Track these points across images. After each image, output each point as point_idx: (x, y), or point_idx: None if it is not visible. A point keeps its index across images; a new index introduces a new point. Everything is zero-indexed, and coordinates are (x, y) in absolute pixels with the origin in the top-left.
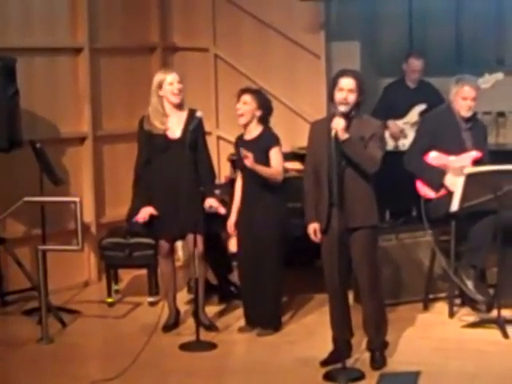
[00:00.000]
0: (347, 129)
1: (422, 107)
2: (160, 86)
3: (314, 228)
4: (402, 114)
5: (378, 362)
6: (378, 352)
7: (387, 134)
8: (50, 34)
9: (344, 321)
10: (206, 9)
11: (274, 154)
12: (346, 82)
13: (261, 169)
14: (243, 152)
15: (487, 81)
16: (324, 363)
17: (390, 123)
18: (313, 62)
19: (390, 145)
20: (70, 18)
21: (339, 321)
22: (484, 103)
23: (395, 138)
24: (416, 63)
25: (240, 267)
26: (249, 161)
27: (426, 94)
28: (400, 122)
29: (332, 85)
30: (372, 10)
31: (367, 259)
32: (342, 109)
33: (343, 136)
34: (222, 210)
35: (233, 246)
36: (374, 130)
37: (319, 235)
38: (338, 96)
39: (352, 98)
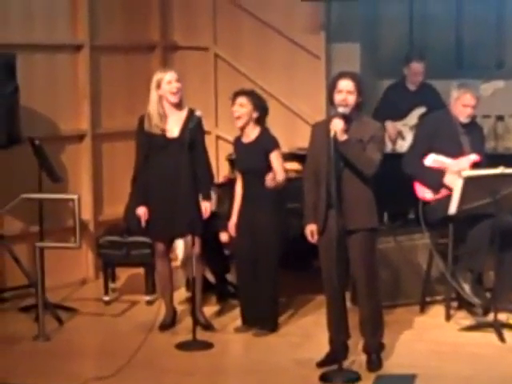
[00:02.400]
0: (347, 131)
1: (421, 110)
2: (158, 84)
3: (311, 229)
4: (401, 115)
5: (375, 364)
6: (375, 354)
7: (385, 136)
8: (51, 31)
9: (341, 322)
10: (206, 8)
11: (275, 158)
12: (345, 84)
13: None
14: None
15: (487, 88)
16: (320, 364)
17: (388, 124)
18: (313, 63)
19: (388, 147)
20: (71, 15)
21: (336, 322)
22: (484, 107)
23: (392, 139)
24: (417, 67)
25: (237, 267)
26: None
27: (426, 96)
28: (399, 124)
29: (331, 87)
30: (373, 11)
31: (365, 262)
32: (342, 110)
33: (342, 137)
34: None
35: (224, 237)
36: (373, 132)
37: (316, 237)
38: (338, 98)
39: (351, 99)
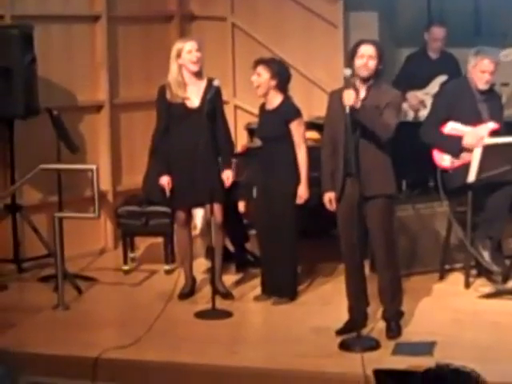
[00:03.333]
0: (365, 98)
1: (443, 78)
2: (179, 54)
3: (329, 197)
4: (423, 84)
5: (394, 331)
6: (394, 322)
7: (406, 105)
8: (68, 2)
9: (360, 290)
10: None
11: (295, 127)
12: (366, 49)
13: (304, 176)
14: None
15: (508, 54)
16: (340, 332)
17: (410, 94)
18: (330, 32)
19: (410, 116)
20: None
21: (355, 290)
22: (502, 75)
23: (414, 109)
24: (438, 32)
25: (257, 236)
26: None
27: (447, 64)
28: (420, 93)
29: (351, 55)
30: None
31: (383, 229)
32: (364, 74)
33: (356, 105)
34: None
35: (242, 206)
36: (390, 99)
37: (334, 204)
38: (359, 62)
39: (372, 64)
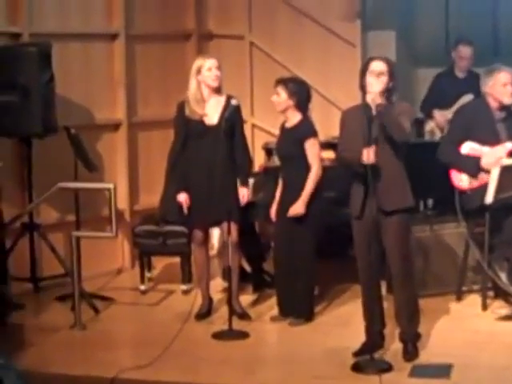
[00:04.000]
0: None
1: (469, 97)
2: (199, 71)
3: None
4: (450, 103)
5: (411, 353)
6: (411, 343)
7: (433, 124)
8: (86, 20)
9: (376, 311)
10: None
11: (309, 146)
12: (377, 65)
13: (306, 194)
14: None
15: None
16: (357, 354)
17: (436, 113)
18: (348, 51)
19: (437, 135)
20: (106, 4)
21: (371, 311)
22: None
23: (441, 127)
24: (465, 50)
25: (274, 255)
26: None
27: (474, 84)
28: (447, 112)
29: (362, 72)
30: None
31: (400, 245)
32: (375, 88)
33: (377, 100)
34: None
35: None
36: (401, 109)
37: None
38: (370, 81)
39: (383, 80)
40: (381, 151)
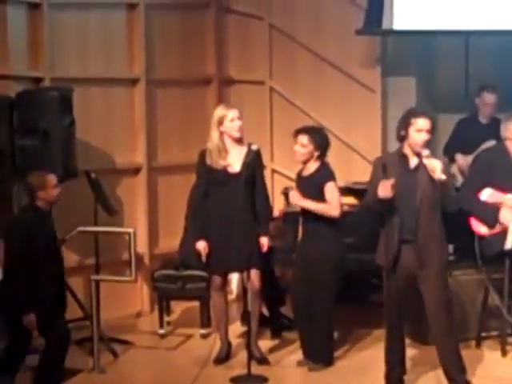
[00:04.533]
0: (418, 167)
1: (492, 143)
2: (221, 121)
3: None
4: (473, 149)
5: None
6: None
7: (455, 168)
8: (107, 65)
9: (398, 357)
10: (262, 42)
11: (329, 189)
12: (426, 123)
13: (309, 204)
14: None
15: None
16: None
17: (459, 157)
18: (368, 97)
19: (459, 180)
20: (127, 49)
21: (393, 358)
22: None
23: (463, 172)
24: (489, 97)
25: (293, 301)
26: (293, 196)
27: (497, 130)
28: (470, 157)
29: (405, 123)
30: (428, 45)
31: (442, 297)
32: (426, 152)
33: (442, 177)
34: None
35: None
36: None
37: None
38: (419, 137)
39: (429, 138)
40: (424, 208)
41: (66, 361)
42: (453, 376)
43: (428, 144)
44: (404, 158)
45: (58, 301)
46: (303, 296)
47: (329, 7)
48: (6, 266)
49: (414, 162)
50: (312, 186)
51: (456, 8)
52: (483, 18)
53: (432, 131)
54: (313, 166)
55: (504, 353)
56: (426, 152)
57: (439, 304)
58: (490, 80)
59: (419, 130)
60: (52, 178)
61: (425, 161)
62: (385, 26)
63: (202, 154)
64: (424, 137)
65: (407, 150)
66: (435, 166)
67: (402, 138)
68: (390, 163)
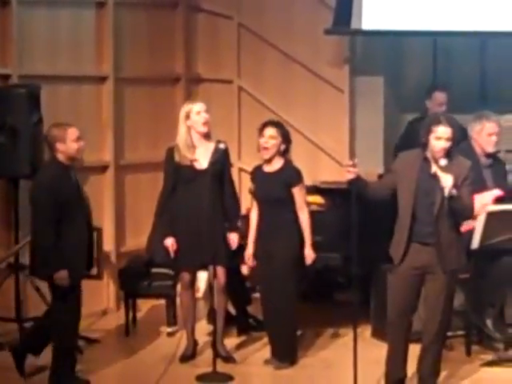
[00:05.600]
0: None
1: None
2: (187, 115)
3: None
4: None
5: None
6: None
7: None
8: (75, 63)
9: (402, 359)
10: (231, 41)
11: (299, 192)
12: (446, 131)
13: (310, 236)
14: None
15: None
16: None
17: None
18: (336, 97)
19: None
20: (96, 47)
21: (397, 358)
22: (507, 142)
23: None
24: (441, 96)
25: (261, 298)
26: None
27: None
28: None
29: (427, 130)
30: (396, 45)
31: (445, 303)
32: (443, 163)
33: (453, 191)
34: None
35: (245, 269)
36: (465, 174)
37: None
38: (438, 145)
39: (449, 145)
40: (443, 214)
41: (31, 357)
42: (424, 377)
43: (448, 151)
44: (426, 162)
45: (86, 260)
46: (268, 294)
47: (298, 7)
48: (33, 227)
49: (434, 167)
50: (278, 183)
51: (424, 9)
52: (451, 18)
53: (452, 139)
54: (277, 163)
55: (469, 352)
56: (443, 162)
57: (441, 310)
58: (458, 79)
59: (439, 137)
60: (73, 131)
61: (439, 173)
62: (353, 25)
63: (170, 151)
64: (443, 145)
65: (429, 155)
66: (446, 181)
67: (424, 144)
68: (413, 164)
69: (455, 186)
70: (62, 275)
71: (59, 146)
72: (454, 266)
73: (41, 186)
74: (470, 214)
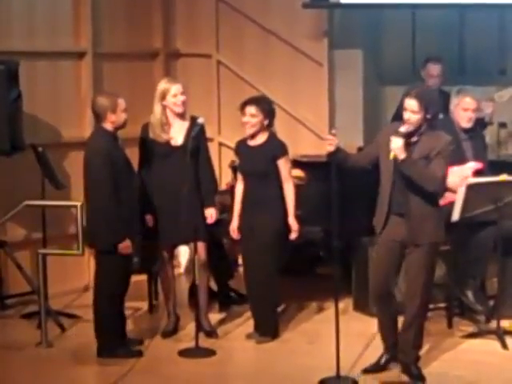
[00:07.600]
0: (412, 144)
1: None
2: (163, 96)
3: None
4: None
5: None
6: (413, 365)
7: None
8: (53, 38)
9: (392, 328)
10: (209, 15)
11: (284, 164)
12: (410, 103)
13: (293, 209)
14: None
15: (503, 95)
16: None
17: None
18: (315, 70)
19: None
20: (74, 23)
21: (388, 325)
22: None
23: None
24: (434, 68)
25: (244, 273)
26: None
27: (445, 102)
28: None
29: (400, 103)
30: (375, 18)
31: (422, 277)
32: (402, 129)
33: (400, 156)
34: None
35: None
36: (440, 147)
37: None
38: (404, 116)
39: (415, 118)
40: (410, 186)
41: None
42: (406, 350)
43: (412, 123)
44: (406, 142)
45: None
46: (250, 267)
47: None
48: (93, 196)
49: (415, 138)
50: (263, 156)
51: None
52: None
53: (421, 111)
54: (262, 136)
55: (450, 324)
56: (402, 129)
57: (420, 280)
58: (436, 52)
59: (405, 109)
60: (122, 102)
61: (391, 137)
62: None
63: (145, 128)
64: (407, 116)
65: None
66: (393, 143)
67: (401, 116)
68: (392, 135)
69: (426, 157)
70: (127, 244)
71: (110, 115)
72: (432, 239)
73: (98, 154)
74: (432, 185)
